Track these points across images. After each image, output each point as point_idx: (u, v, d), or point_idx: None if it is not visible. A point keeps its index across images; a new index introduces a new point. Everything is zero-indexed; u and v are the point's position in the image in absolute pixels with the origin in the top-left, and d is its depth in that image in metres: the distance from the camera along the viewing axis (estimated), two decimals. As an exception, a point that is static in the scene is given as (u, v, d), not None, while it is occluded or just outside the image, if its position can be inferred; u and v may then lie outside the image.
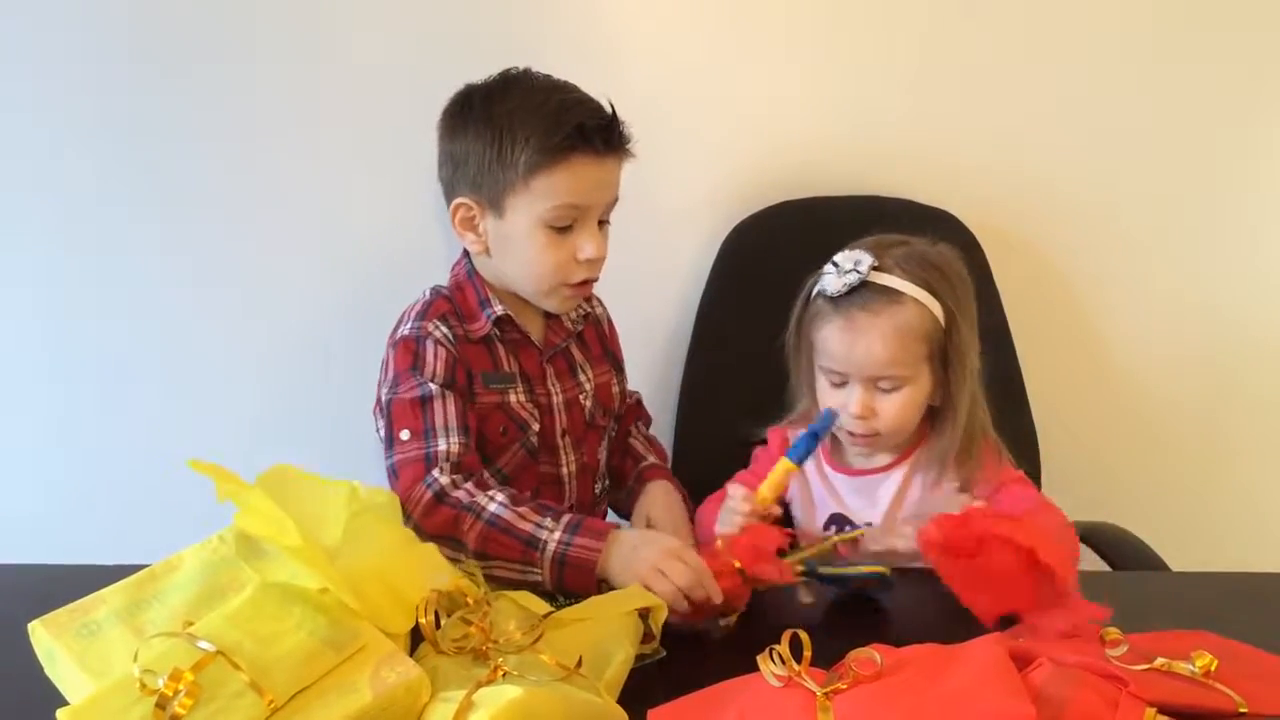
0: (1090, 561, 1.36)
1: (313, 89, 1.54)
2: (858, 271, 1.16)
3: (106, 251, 1.57)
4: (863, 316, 1.16)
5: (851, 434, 1.21)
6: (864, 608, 1.07)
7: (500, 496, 1.10)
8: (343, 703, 0.79)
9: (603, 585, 1.05)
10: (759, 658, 0.83)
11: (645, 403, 1.48)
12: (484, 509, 1.09)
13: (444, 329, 1.20)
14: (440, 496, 1.10)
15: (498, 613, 0.98)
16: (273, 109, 1.54)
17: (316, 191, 1.57)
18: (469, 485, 1.11)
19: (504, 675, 0.84)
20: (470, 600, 0.94)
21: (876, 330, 1.15)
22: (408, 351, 1.19)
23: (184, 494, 1.11)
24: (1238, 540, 1.77)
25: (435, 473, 1.11)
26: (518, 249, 1.19)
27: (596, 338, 1.38)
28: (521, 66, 1.21)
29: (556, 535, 1.07)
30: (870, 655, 0.81)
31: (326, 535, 0.95)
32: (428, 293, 1.26)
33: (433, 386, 1.16)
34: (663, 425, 1.55)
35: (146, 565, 0.92)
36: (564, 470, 1.31)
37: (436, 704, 0.82)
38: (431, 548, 1.00)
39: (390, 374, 1.20)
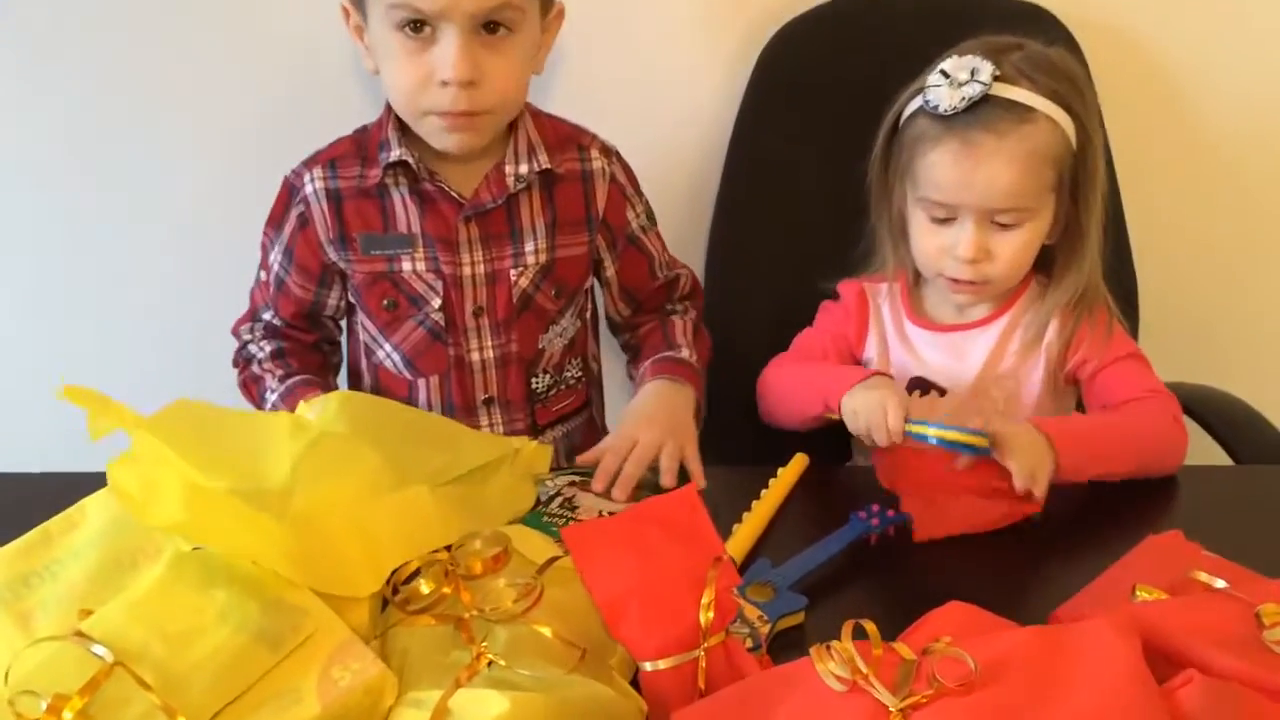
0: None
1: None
2: (979, 82, 1.00)
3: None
4: (986, 138, 1.00)
5: (956, 281, 1.07)
6: (923, 569, 0.90)
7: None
8: (282, 719, 0.63)
9: None
10: (814, 650, 0.65)
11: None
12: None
13: (322, 182, 1.08)
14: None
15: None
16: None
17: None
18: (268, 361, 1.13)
19: (489, 665, 0.68)
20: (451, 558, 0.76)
21: (1003, 155, 1.00)
22: (280, 200, 1.12)
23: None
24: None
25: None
26: (381, 59, 1.03)
27: (580, 199, 1.13)
28: None
29: None
30: (959, 656, 0.62)
31: (270, 476, 0.76)
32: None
33: (275, 258, 1.12)
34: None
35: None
36: (475, 356, 1.13)
37: (403, 709, 0.67)
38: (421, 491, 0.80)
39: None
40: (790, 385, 1.13)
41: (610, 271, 1.17)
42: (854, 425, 1.01)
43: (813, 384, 1.08)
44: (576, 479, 0.98)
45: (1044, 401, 1.10)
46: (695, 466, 1.00)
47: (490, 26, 0.98)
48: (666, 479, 0.98)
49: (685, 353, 1.14)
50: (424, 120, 1.03)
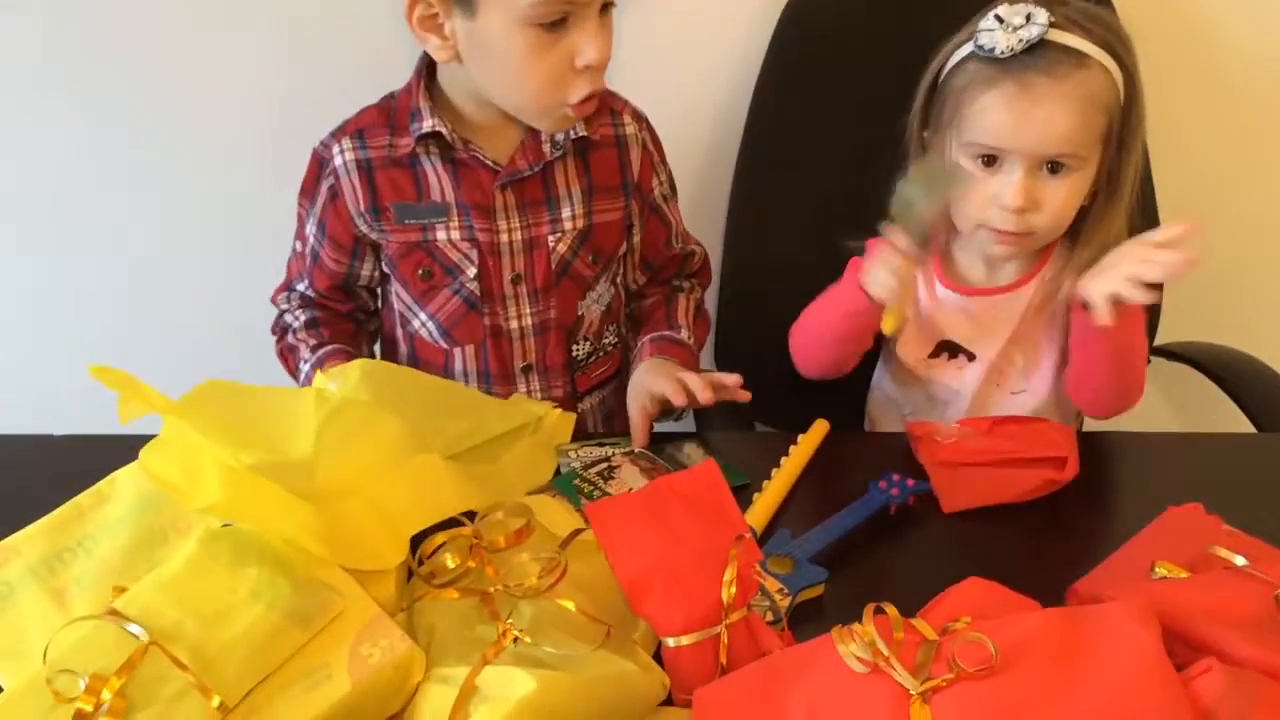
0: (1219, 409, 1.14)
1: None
2: (1037, 24, 0.97)
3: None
4: (1043, 82, 0.97)
5: (1000, 232, 1.03)
6: (943, 540, 0.90)
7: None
8: (314, 696, 0.65)
9: None
10: (835, 632, 0.66)
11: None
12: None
13: (352, 153, 1.05)
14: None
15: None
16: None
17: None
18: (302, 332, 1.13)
19: (515, 641, 0.68)
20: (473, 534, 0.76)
21: (1059, 97, 0.97)
22: (310, 172, 1.09)
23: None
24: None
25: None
26: (497, 57, 0.96)
27: (616, 164, 1.11)
28: None
29: None
30: (979, 640, 0.63)
31: (297, 449, 0.77)
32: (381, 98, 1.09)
33: (310, 230, 1.11)
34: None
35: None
36: (514, 324, 1.12)
37: (431, 685, 0.67)
38: (432, 459, 0.80)
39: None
40: (817, 312, 1.12)
41: (635, 238, 1.15)
42: (878, 288, 1.00)
43: (836, 293, 1.08)
44: (636, 454, 0.98)
45: (1061, 363, 1.08)
46: (718, 378, 1.01)
47: (605, 8, 0.96)
48: (704, 395, 0.99)
49: (684, 334, 1.14)
50: (555, 110, 0.99)
